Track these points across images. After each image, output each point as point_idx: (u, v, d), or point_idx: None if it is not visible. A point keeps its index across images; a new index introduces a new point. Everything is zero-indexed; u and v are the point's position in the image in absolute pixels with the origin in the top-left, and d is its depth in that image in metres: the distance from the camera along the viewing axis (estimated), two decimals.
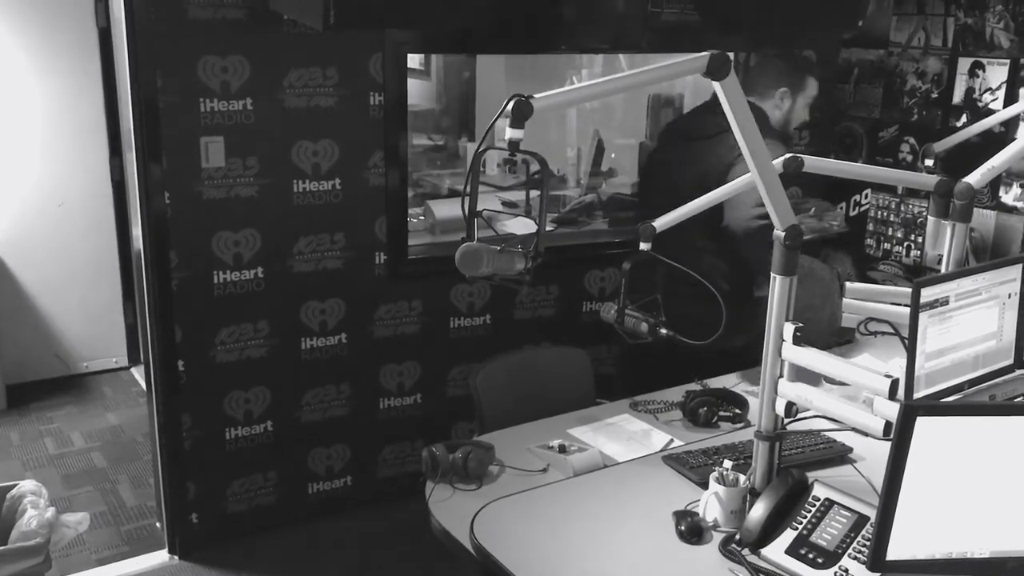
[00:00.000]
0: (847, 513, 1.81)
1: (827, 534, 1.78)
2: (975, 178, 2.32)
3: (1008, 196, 3.56)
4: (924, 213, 3.86)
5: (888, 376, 1.71)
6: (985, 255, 3.60)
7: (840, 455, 2.23)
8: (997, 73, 3.56)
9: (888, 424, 1.68)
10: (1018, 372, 2.31)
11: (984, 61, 3.60)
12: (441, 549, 2.00)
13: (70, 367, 4.82)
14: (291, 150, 3.15)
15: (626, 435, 2.40)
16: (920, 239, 3.92)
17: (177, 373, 3.16)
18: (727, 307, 2.41)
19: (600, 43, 3.73)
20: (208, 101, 2.99)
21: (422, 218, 3.82)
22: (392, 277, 3.44)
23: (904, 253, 4.00)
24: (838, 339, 3.31)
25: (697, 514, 1.93)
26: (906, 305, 2.11)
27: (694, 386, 2.68)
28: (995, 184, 3.56)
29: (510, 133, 1.55)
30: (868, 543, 1.70)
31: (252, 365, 3.27)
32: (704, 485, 1.99)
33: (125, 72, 3.02)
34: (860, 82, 4.07)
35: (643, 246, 2.41)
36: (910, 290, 2.04)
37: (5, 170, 4.47)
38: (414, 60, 3.97)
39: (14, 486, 2.80)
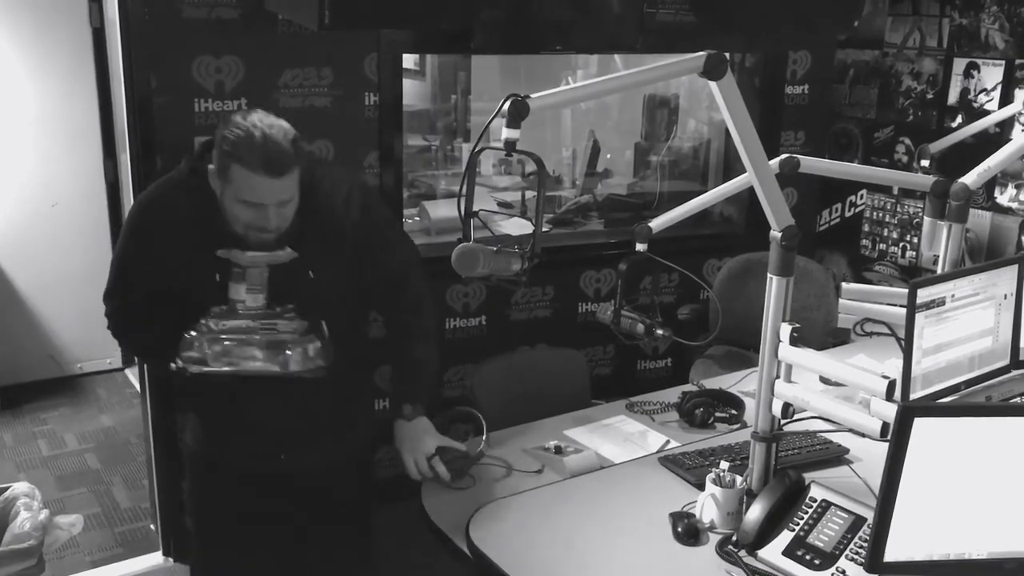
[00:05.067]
0: (844, 514, 1.81)
1: (824, 535, 1.78)
2: (971, 179, 2.33)
3: (1003, 197, 3.57)
4: (920, 214, 3.86)
5: (885, 377, 1.71)
6: (981, 256, 3.61)
7: (837, 456, 2.23)
8: (992, 74, 3.57)
9: (885, 425, 1.67)
10: (1014, 372, 2.31)
11: (979, 62, 3.61)
12: (437, 550, 1.99)
13: (64, 368, 4.80)
14: None
15: (622, 436, 2.39)
16: (916, 240, 3.92)
17: (171, 374, 3.14)
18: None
19: (595, 43, 3.73)
20: (202, 101, 2.98)
21: (417, 219, 3.81)
22: None
23: (900, 254, 4.00)
24: (833, 340, 3.31)
25: (694, 515, 1.92)
26: (902, 306, 2.11)
27: (690, 387, 2.67)
28: (990, 185, 3.57)
29: (506, 133, 1.54)
30: (865, 544, 1.70)
31: None
32: (701, 486, 1.98)
33: (119, 72, 3.01)
34: (855, 83, 4.08)
35: (639, 247, 2.41)
36: (906, 291, 2.04)
37: None
38: (409, 60, 3.95)
39: (7, 488, 2.79)
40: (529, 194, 4.06)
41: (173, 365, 2.00)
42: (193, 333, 1.96)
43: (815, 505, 1.84)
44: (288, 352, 1.96)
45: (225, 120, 1.94)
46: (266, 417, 2.17)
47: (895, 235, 4.01)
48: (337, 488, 2.34)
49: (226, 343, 1.95)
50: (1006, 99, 3.53)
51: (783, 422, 1.93)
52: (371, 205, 2.19)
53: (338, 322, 2.10)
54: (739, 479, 1.93)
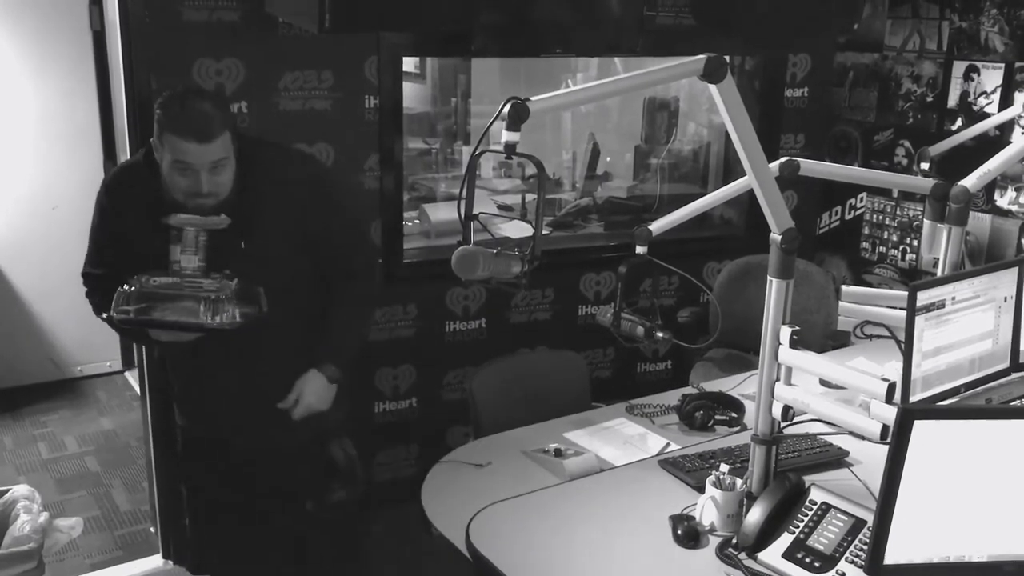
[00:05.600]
0: (844, 517, 1.81)
1: (824, 538, 1.78)
2: (971, 182, 2.33)
3: (1003, 200, 3.57)
4: (919, 217, 3.86)
5: (885, 380, 1.71)
6: (980, 259, 3.61)
7: (837, 459, 2.23)
8: (992, 77, 3.57)
9: (885, 427, 1.67)
10: (1014, 375, 2.31)
11: (979, 65, 3.61)
12: (438, 552, 1.99)
13: (64, 371, 4.80)
14: None
15: (622, 439, 2.39)
16: (915, 243, 3.92)
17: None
18: None
19: (595, 46, 3.74)
20: None
21: (417, 222, 3.81)
22: (387, 281, 3.43)
23: (899, 257, 4.00)
24: (833, 342, 3.31)
25: (694, 518, 1.92)
26: (902, 308, 2.11)
27: (690, 390, 2.67)
28: (990, 188, 3.57)
29: (507, 136, 1.55)
30: (866, 547, 1.70)
31: None
32: (701, 489, 1.98)
33: (119, 75, 3.01)
34: (855, 86, 4.08)
35: (639, 250, 2.41)
36: (906, 293, 2.04)
37: None
38: (409, 63, 3.95)
39: (7, 491, 2.79)
40: (529, 197, 4.06)
41: (104, 315, 2.21)
42: (125, 287, 2.13)
43: (815, 508, 1.84)
44: (206, 306, 2.11)
45: (163, 96, 2.16)
46: (225, 397, 2.36)
47: (895, 238, 4.01)
48: (299, 473, 2.47)
49: (150, 294, 2.13)
50: (1006, 102, 3.53)
51: (783, 425, 1.93)
52: (319, 190, 2.35)
53: (282, 298, 2.24)
54: (739, 482, 1.93)
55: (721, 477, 1.93)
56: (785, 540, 1.79)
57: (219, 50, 2.96)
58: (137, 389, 4.31)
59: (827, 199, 4.25)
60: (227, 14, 2.94)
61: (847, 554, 1.74)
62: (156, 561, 3.32)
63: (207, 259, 2.15)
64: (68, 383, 4.78)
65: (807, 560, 1.74)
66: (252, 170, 2.22)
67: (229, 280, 2.14)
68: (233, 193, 2.18)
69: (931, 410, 1.86)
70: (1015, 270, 2.26)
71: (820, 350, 3.17)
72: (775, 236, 1.83)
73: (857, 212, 4.15)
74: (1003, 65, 3.53)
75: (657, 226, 2.43)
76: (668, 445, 2.35)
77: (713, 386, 2.70)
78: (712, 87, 1.70)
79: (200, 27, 2.91)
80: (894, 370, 2.05)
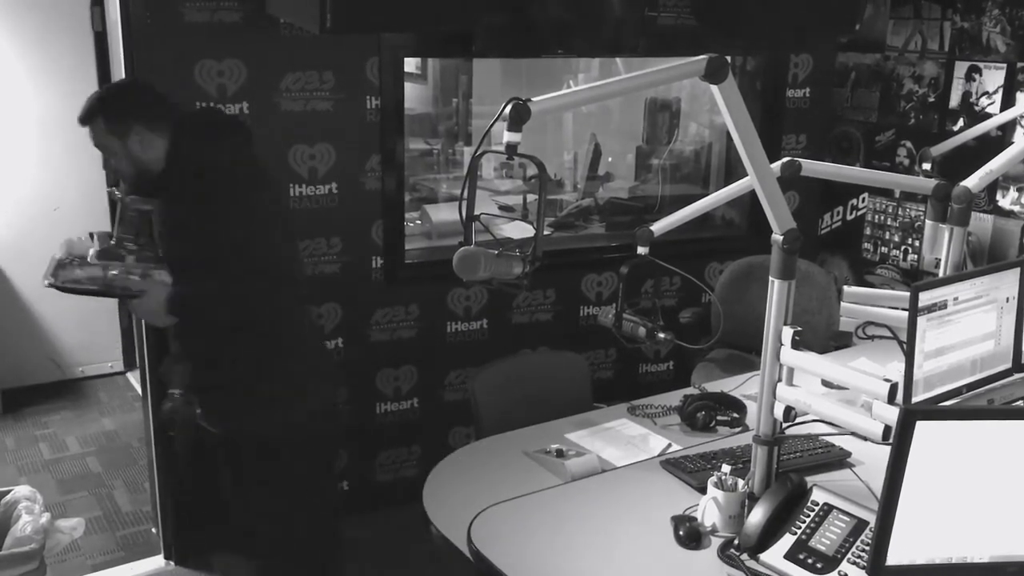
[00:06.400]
0: (846, 518, 1.81)
1: (826, 539, 1.78)
2: (973, 182, 2.32)
3: (1005, 200, 3.56)
4: (921, 217, 3.86)
5: (887, 380, 1.71)
6: (982, 259, 3.61)
7: (839, 459, 2.22)
8: (994, 77, 3.57)
9: (887, 428, 1.67)
10: (1016, 376, 2.31)
11: (981, 65, 3.61)
12: (439, 553, 1.99)
13: (65, 372, 4.80)
14: (287, 154, 3.15)
15: (624, 439, 2.39)
16: (917, 243, 3.92)
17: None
18: None
19: (597, 47, 3.74)
20: (204, 105, 2.98)
21: (419, 222, 3.81)
22: (389, 281, 3.43)
23: (901, 257, 4.00)
24: (835, 343, 3.31)
25: (695, 519, 1.92)
26: (904, 309, 2.11)
27: (692, 390, 2.67)
28: (992, 188, 3.56)
29: (508, 137, 1.54)
30: (867, 548, 1.70)
31: None
32: (702, 490, 1.98)
33: (121, 76, 3.01)
34: (857, 86, 4.08)
35: (641, 250, 2.41)
36: (908, 294, 2.04)
37: (0, 175, 4.46)
38: (410, 64, 3.96)
39: (9, 491, 2.79)
40: (530, 198, 4.06)
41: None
42: (56, 255, 2.32)
43: (817, 509, 1.84)
44: (59, 268, 2.27)
45: None
46: (199, 379, 2.45)
47: (897, 238, 4.01)
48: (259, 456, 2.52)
49: (60, 262, 2.31)
50: (1008, 102, 3.52)
51: (785, 425, 1.93)
52: (215, 189, 2.33)
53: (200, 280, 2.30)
54: (741, 482, 1.93)
55: (723, 478, 1.93)
56: (787, 541, 1.79)
57: (220, 51, 2.96)
58: (139, 390, 4.31)
59: (829, 199, 4.25)
60: (228, 15, 2.94)
61: (849, 555, 1.74)
62: (157, 562, 3.32)
63: (135, 232, 2.31)
64: (70, 384, 4.79)
65: (809, 561, 1.74)
66: (172, 160, 2.34)
67: (140, 251, 2.30)
68: (162, 179, 2.33)
69: (933, 411, 1.85)
70: (1017, 271, 2.26)
71: (822, 351, 3.17)
72: (777, 236, 1.83)
73: (859, 212, 4.15)
74: (1005, 65, 3.53)
75: (659, 227, 2.43)
76: (670, 446, 2.35)
77: (715, 387, 2.70)
78: (713, 88, 1.69)
79: (202, 28, 2.91)
80: (896, 371, 2.05)
